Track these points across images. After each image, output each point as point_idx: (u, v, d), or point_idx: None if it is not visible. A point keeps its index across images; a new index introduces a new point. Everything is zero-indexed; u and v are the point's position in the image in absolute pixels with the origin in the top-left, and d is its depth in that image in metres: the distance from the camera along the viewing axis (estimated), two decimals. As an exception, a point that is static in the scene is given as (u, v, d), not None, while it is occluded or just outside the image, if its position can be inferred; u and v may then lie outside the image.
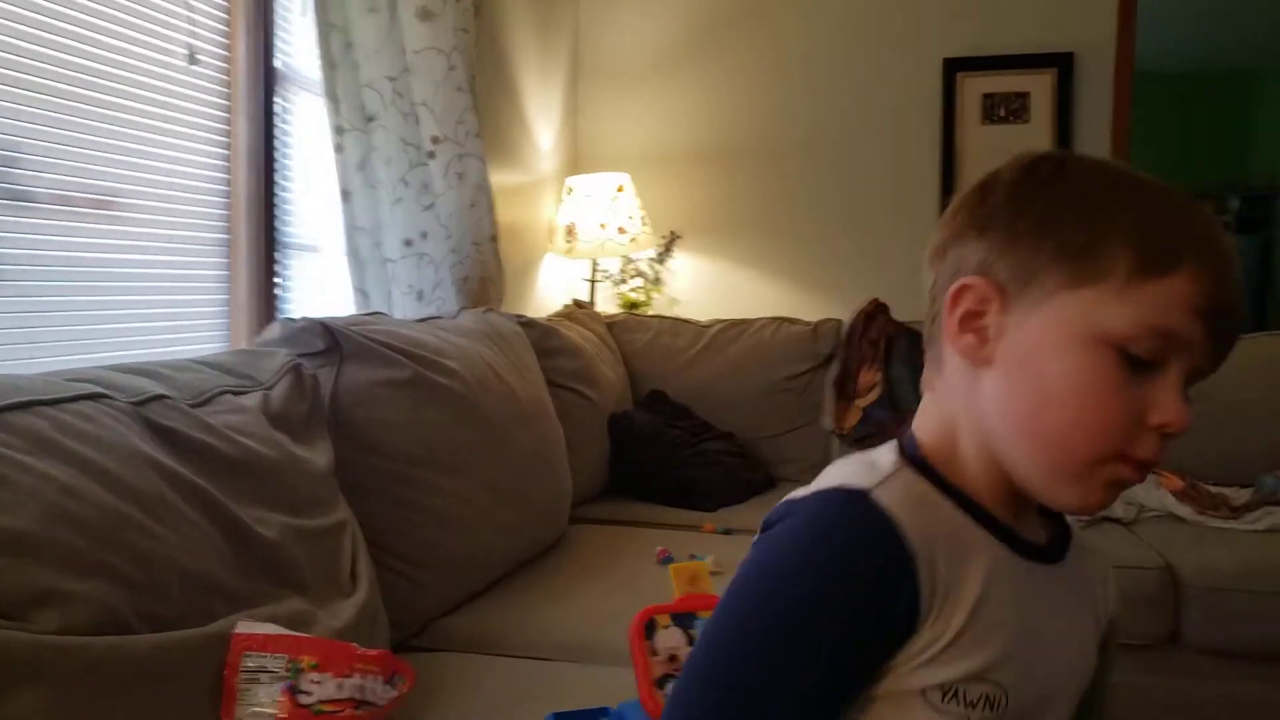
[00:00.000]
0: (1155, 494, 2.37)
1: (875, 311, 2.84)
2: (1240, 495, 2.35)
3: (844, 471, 0.66)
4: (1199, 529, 2.23)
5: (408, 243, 2.35)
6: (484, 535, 1.69)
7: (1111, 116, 3.26)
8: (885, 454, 0.67)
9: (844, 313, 2.91)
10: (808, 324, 2.91)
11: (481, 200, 2.52)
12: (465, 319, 2.04)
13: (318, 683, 1.05)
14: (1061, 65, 3.25)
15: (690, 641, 1.14)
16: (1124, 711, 2.05)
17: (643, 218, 3.31)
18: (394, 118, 2.31)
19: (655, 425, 2.54)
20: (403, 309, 2.32)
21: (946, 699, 0.61)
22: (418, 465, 1.57)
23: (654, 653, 1.13)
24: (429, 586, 1.55)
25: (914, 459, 0.67)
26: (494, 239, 2.48)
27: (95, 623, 0.91)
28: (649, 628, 1.14)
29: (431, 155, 2.40)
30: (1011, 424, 0.64)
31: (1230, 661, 2.00)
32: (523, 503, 1.79)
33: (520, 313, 2.48)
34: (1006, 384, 0.64)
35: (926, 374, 0.71)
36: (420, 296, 2.40)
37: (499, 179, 2.83)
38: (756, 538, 0.67)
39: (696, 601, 1.18)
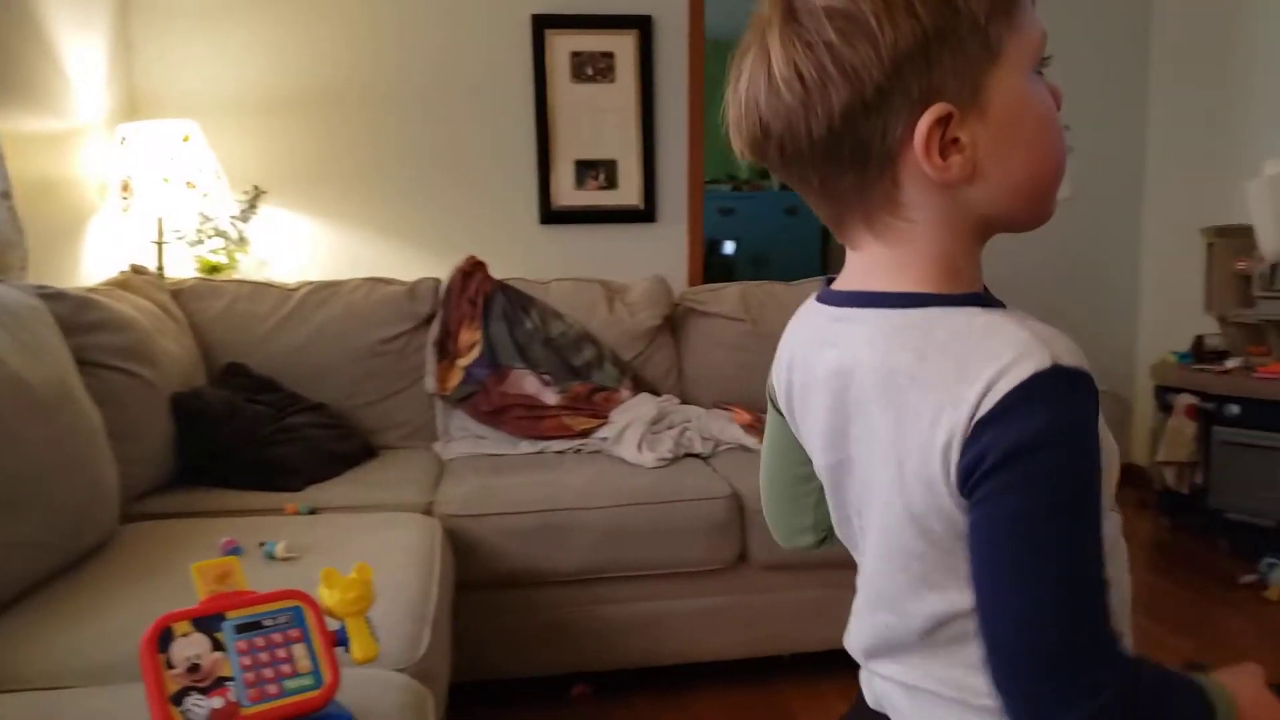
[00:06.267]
0: (728, 428, 2.58)
1: (472, 269, 2.80)
2: (797, 424, 2.63)
3: (1002, 347, 0.60)
4: (764, 458, 2.46)
5: (-117, 200, 1.91)
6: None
7: (688, 79, 3.47)
8: (979, 313, 0.64)
9: (442, 271, 2.84)
10: (404, 283, 2.80)
11: (-13, 149, 2.11)
12: (-41, 293, 1.69)
13: None
14: (642, 27, 3.39)
15: (216, 646, 1.02)
16: (701, 630, 2.22)
17: (217, 171, 2.99)
18: None
19: (231, 401, 2.31)
20: (-117, 282, 1.88)
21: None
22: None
23: (170, 665, 0.99)
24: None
25: (974, 298, 0.67)
26: (6, 195, 2.08)
27: None
28: (164, 638, 1.00)
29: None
30: (1018, 199, 0.67)
31: (790, 573, 2.24)
32: (40, 509, 1.51)
33: (57, 283, 2.11)
34: (999, 175, 0.65)
35: (860, 234, 0.69)
36: (-93, 267, 1.97)
37: (20, 124, 2.40)
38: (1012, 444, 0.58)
39: (224, 601, 1.06)
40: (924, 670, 0.69)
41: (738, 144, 0.70)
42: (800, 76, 0.63)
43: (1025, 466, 0.58)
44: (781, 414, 0.82)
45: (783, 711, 2.16)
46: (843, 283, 0.72)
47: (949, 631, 0.67)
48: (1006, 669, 0.60)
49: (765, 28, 0.65)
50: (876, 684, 0.76)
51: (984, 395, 0.59)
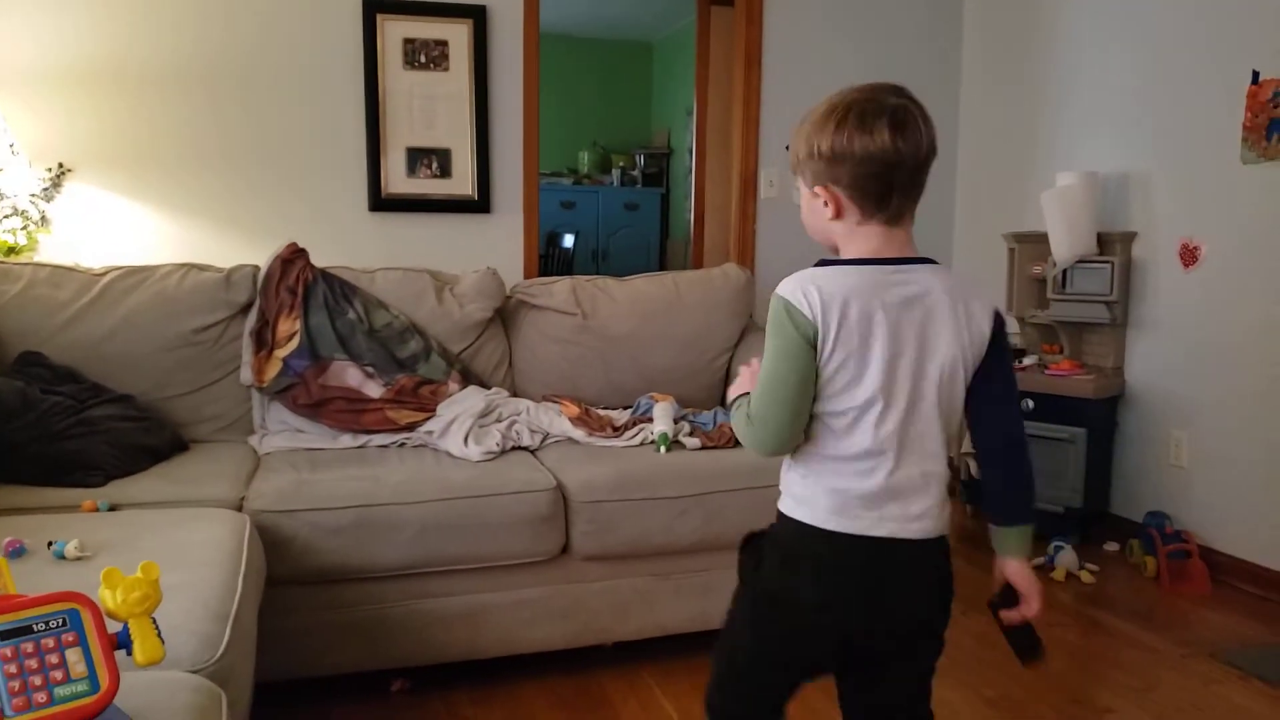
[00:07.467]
0: (557, 421, 2.61)
1: (293, 256, 2.72)
2: (622, 416, 2.69)
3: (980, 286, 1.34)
4: (589, 449, 2.50)
5: None
6: None
7: (523, 71, 3.47)
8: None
9: (261, 258, 2.74)
10: (220, 270, 2.69)
11: None
12: None
13: None
14: (476, 17, 3.37)
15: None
16: (523, 622, 2.25)
17: (13, 146, 2.79)
18: None
19: (25, 393, 2.16)
20: None
21: None
22: None
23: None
24: None
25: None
26: None
27: None
28: (-91, 647, 0.94)
29: None
30: None
31: (610, 564, 2.29)
32: None
33: None
34: None
35: (908, 219, 1.27)
36: None
37: None
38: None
39: (-14, 605, 1.01)
40: (937, 464, 1.28)
41: (885, 158, 1.23)
42: (927, 124, 1.26)
43: (1006, 335, 1.30)
44: (814, 347, 1.21)
45: (602, 700, 2.20)
46: (884, 252, 1.25)
47: (947, 430, 1.28)
48: (1017, 414, 1.34)
49: (904, 109, 1.26)
50: (919, 503, 1.27)
51: (994, 306, 1.28)
